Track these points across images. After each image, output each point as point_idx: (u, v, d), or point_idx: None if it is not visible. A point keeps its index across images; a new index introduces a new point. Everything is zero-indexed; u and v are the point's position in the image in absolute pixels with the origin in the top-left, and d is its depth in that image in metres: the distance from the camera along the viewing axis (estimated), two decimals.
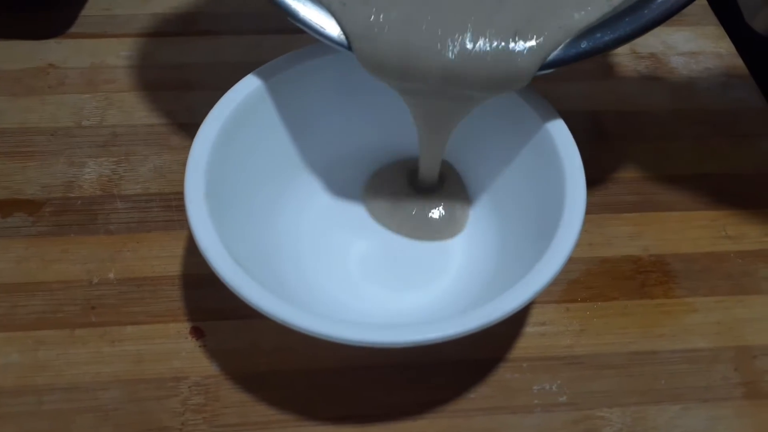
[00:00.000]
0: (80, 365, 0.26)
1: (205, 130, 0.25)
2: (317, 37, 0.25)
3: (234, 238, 0.24)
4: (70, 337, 0.27)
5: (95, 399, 0.25)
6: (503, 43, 0.24)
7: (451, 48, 0.24)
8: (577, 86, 0.36)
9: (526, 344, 0.27)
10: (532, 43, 0.24)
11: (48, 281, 0.28)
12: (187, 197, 0.24)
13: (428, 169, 0.29)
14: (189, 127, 0.33)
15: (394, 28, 0.24)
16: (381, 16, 0.24)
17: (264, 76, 0.27)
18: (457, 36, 0.24)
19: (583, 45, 0.25)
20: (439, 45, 0.24)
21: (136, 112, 0.34)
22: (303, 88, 0.28)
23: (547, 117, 0.26)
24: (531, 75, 0.24)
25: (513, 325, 0.28)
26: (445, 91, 0.25)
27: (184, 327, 0.27)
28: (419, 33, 0.24)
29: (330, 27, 0.25)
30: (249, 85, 0.27)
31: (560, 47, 0.24)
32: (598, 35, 0.25)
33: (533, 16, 0.24)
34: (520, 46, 0.24)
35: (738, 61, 0.38)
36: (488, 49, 0.24)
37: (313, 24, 0.25)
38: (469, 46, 0.24)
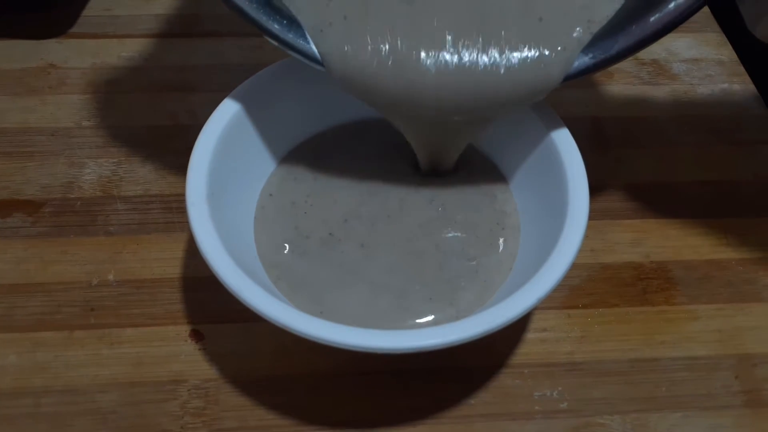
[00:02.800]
0: (79, 367, 0.26)
1: (208, 132, 0.25)
2: (294, 55, 0.25)
3: (235, 240, 0.24)
4: (68, 338, 0.27)
5: (93, 402, 0.25)
6: (526, 54, 0.24)
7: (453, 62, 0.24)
8: (579, 92, 0.36)
9: (527, 350, 0.27)
10: (553, 53, 0.24)
11: (47, 282, 0.28)
12: (188, 199, 0.24)
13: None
14: (190, 129, 0.32)
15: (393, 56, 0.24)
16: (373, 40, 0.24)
17: (267, 79, 0.27)
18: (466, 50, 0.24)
19: (595, 55, 0.24)
20: (432, 61, 0.24)
21: (136, 113, 0.34)
22: (306, 90, 0.28)
23: (550, 123, 0.26)
24: (547, 91, 0.24)
25: (514, 331, 0.28)
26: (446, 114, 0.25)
27: (184, 330, 0.27)
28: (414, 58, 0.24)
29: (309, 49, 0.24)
30: (252, 87, 0.27)
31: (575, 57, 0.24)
32: (601, 48, 0.24)
33: (538, 27, 0.24)
34: (543, 56, 0.24)
35: (739, 68, 0.38)
36: (508, 61, 0.24)
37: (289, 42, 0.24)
38: (487, 59, 0.24)
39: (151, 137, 0.33)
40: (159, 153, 0.32)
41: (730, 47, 0.39)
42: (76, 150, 0.32)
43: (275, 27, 0.24)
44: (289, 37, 0.24)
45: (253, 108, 0.27)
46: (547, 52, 0.24)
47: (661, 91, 0.36)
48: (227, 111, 0.26)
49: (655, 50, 0.38)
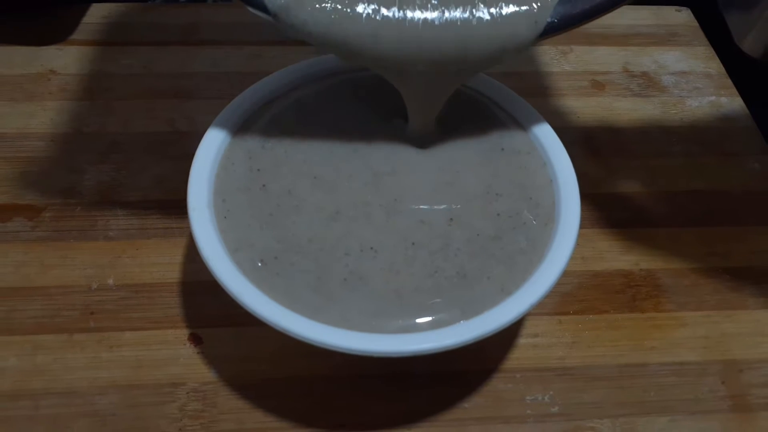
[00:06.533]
0: (78, 370, 0.26)
1: (209, 139, 0.26)
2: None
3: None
4: (68, 342, 0.27)
5: (92, 404, 0.26)
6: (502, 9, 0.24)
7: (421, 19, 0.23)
8: (570, 103, 0.37)
9: (519, 355, 0.28)
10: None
11: (47, 286, 0.28)
12: (189, 205, 0.24)
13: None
14: (189, 136, 0.33)
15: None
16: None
17: (267, 87, 0.28)
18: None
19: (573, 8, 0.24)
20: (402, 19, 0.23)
21: (136, 119, 0.34)
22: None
23: (543, 133, 0.27)
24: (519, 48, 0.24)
25: (506, 336, 0.28)
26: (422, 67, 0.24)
27: (183, 333, 0.27)
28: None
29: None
30: (253, 94, 0.27)
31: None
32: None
33: None
34: (516, 12, 0.24)
35: (727, 81, 0.39)
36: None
37: None
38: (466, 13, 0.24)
39: (150, 143, 0.33)
40: (158, 159, 0.33)
41: (718, 61, 0.40)
42: (76, 156, 0.33)
43: None
44: None
45: (255, 114, 0.27)
46: (519, 8, 0.24)
47: (650, 103, 0.37)
48: (228, 118, 0.26)
49: (645, 63, 0.39)
